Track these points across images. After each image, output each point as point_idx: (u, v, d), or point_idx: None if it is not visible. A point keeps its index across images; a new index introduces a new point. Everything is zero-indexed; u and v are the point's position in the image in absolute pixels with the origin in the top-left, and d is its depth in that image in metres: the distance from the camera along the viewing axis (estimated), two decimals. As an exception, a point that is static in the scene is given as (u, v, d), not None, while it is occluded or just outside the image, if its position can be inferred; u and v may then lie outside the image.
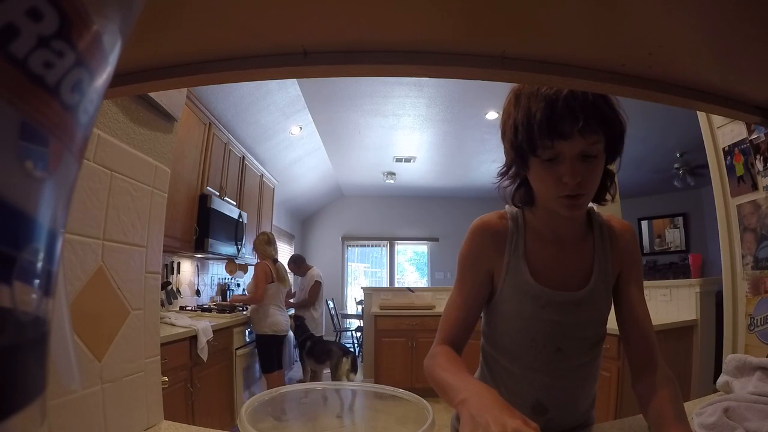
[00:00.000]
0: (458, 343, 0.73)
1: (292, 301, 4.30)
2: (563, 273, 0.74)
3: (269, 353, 3.39)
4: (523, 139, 0.65)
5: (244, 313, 3.44)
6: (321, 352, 3.79)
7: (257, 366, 3.50)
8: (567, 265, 0.75)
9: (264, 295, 3.39)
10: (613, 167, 0.72)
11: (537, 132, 0.63)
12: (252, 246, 3.76)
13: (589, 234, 0.77)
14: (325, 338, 4.36)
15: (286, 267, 4.04)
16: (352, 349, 4.06)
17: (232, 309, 3.45)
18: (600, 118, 0.62)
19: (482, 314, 0.81)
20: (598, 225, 0.77)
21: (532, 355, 0.75)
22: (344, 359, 3.67)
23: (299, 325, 4.00)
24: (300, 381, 4.33)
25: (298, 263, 4.58)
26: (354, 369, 3.71)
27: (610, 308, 0.77)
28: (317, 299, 4.41)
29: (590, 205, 0.74)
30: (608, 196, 0.73)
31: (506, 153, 0.72)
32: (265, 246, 3.57)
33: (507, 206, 0.79)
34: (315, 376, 3.89)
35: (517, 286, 0.74)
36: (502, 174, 0.75)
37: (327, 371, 3.84)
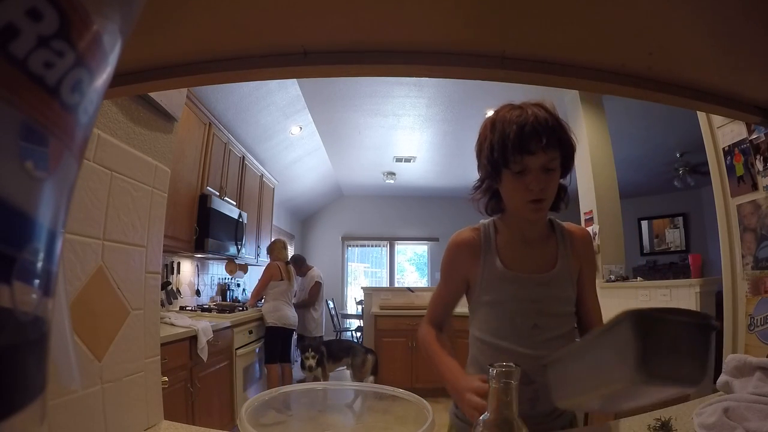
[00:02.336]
0: (442, 322, 0.98)
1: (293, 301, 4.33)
2: (531, 262, 0.89)
3: (275, 345, 3.55)
4: (499, 156, 0.81)
5: (246, 311, 3.45)
6: (339, 349, 3.88)
7: (257, 366, 3.50)
8: (534, 257, 0.90)
9: (261, 291, 3.73)
10: (565, 181, 0.89)
11: (510, 149, 0.80)
12: (267, 249, 4.13)
13: (552, 236, 0.93)
14: (325, 338, 4.37)
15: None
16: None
17: (232, 309, 3.45)
18: (557, 138, 0.80)
19: (469, 309, 0.96)
20: (559, 229, 0.93)
21: (514, 334, 0.87)
22: (369, 357, 3.77)
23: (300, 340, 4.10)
24: (300, 381, 4.33)
25: (299, 263, 4.60)
26: (376, 370, 3.78)
27: (575, 292, 0.91)
28: (317, 299, 4.44)
29: (551, 216, 0.93)
30: (562, 204, 0.91)
31: (481, 169, 0.89)
32: (282, 250, 4.01)
33: (481, 220, 0.96)
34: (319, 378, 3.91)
35: (494, 278, 0.89)
36: (477, 188, 0.92)
37: (342, 369, 3.89)
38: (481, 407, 0.63)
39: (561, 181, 0.87)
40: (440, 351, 0.89)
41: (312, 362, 3.65)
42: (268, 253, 4.09)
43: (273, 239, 4.43)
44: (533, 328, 0.86)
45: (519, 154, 0.79)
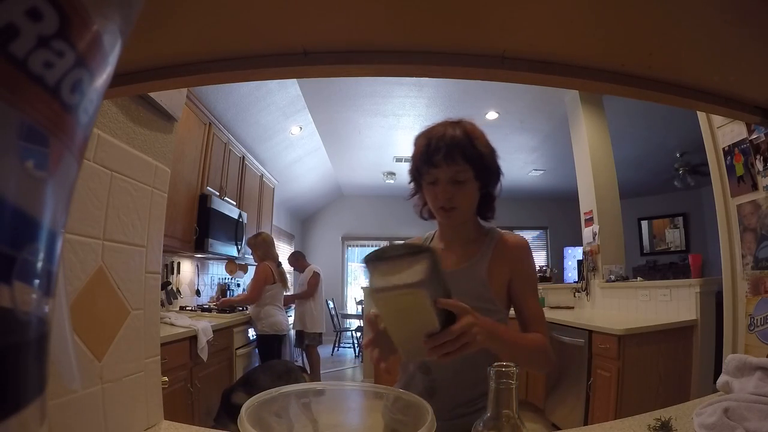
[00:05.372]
0: None
1: (290, 293, 4.27)
2: (447, 260, 0.94)
3: (270, 352, 3.41)
4: (414, 168, 0.93)
5: (247, 311, 3.44)
6: (273, 379, 2.59)
7: (257, 365, 3.50)
8: (451, 257, 0.97)
9: (260, 296, 3.42)
10: (494, 191, 0.97)
11: (420, 162, 0.90)
12: (249, 244, 3.72)
13: (479, 240, 0.98)
14: (324, 336, 4.32)
15: (286, 261, 4.01)
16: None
17: (232, 309, 3.45)
18: (461, 153, 0.87)
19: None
20: (491, 236, 0.98)
21: None
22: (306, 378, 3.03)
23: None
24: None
25: (298, 258, 4.61)
26: None
27: (492, 292, 0.92)
28: (316, 291, 4.40)
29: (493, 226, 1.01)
30: (489, 214, 0.99)
31: (411, 180, 0.99)
32: (270, 248, 3.64)
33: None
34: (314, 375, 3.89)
35: None
36: (412, 196, 1.03)
37: (342, 368, 3.77)
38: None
39: (493, 192, 0.96)
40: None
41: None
42: (251, 249, 3.66)
43: (256, 233, 3.84)
44: None
45: (427, 166, 0.89)
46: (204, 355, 2.42)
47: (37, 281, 0.20)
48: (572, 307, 3.94)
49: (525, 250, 0.99)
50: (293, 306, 4.45)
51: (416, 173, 0.94)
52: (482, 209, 0.98)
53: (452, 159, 0.87)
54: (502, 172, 0.97)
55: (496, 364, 0.52)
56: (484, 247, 0.96)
